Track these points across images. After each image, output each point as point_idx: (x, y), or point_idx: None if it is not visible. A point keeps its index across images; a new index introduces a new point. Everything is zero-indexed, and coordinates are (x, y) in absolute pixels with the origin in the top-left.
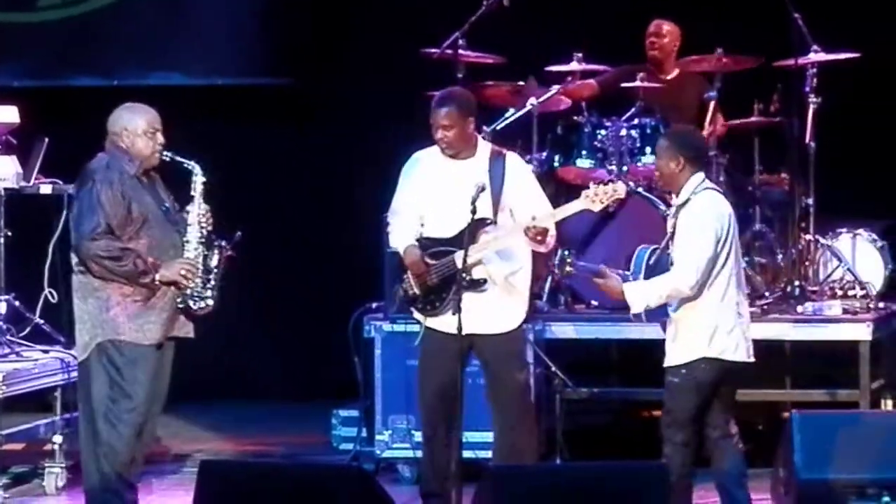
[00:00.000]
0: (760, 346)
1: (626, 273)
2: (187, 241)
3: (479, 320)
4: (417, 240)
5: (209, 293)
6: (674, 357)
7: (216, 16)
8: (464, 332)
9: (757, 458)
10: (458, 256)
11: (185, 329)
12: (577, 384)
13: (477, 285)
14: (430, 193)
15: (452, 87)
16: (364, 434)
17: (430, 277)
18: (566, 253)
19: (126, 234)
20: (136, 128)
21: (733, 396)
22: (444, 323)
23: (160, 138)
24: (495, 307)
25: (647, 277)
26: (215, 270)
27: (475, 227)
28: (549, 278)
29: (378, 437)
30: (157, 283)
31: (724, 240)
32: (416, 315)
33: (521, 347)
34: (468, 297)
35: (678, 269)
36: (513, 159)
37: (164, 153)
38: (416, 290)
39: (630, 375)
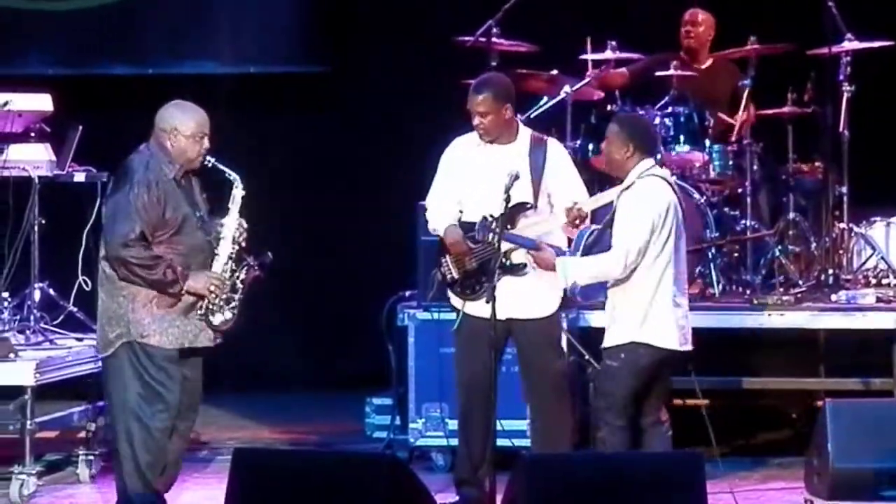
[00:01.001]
0: (794, 334)
1: (567, 250)
2: (217, 255)
3: (517, 305)
4: (459, 222)
5: (230, 310)
6: (607, 339)
7: (249, 4)
8: (502, 318)
9: (791, 446)
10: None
11: (208, 337)
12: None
13: (517, 269)
14: (470, 179)
15: (491, 73)
16: (398, 422)
17: (469, 261)
18: (491, 217)
19: (158, 238)
20: (185, 129)
21: (667, 383)
22: (483, 308)
23: (206, 143)
24: (533, 292)
25: (583, 255)
26: (241, 288)
27: (515, 212)
28: None
29: (412, 426)
30: (183, 293)
31: (661, 227)
32: (454, 300)
33: (558, 334)
34: (506, 282)
35: (611, 253)
36: (554, 145)
37: (208, 159)
38: (455, 274)
39: None
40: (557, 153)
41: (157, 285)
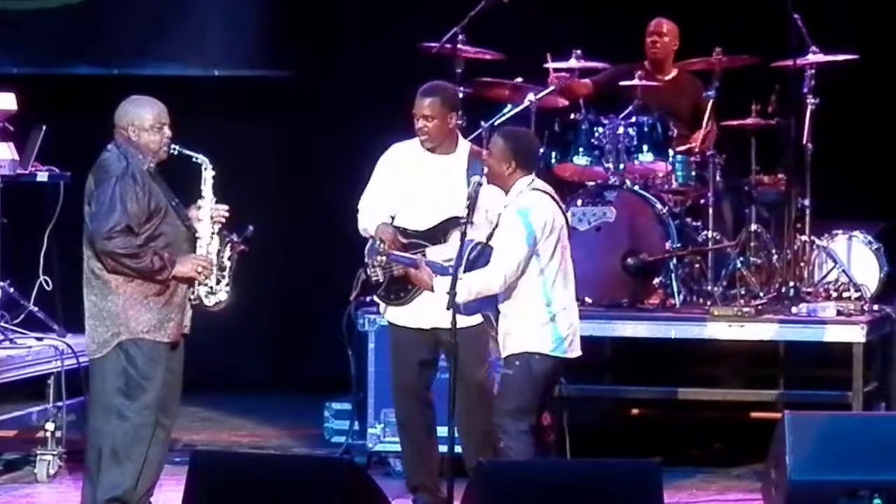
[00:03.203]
0: (754, 346)
1: (449, 265)
2: (199, 237)
3: (443, 313)
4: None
5: (223, 289)
6: (504, 350)
7: (215, 6)
8: (428, 327)
9: (749, 457)
10: (432, 252)
11: (186, 324)
12: (569, 381)
13: None
14: (405, 186)
15: (440, 81)
16: (356, 427)
17: (395, 267)
18: (378, 242)
19: (145, 230)
20: (142, 122)
21: (553, 389)
22: (407, 317)
23: (167, 132)
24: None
25: (466, 271)
26: (228, 265)
27: (448, 226)
28: None
29: (370, 431)
30: (172, 279)
31: (544, 239)
32: (379, 305)
33: (482, 344)
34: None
35: (489, 267)
36: None
37: (173, 147)
38: (381, 278)
39: (623, 373)
40: None
41: (146, 273)
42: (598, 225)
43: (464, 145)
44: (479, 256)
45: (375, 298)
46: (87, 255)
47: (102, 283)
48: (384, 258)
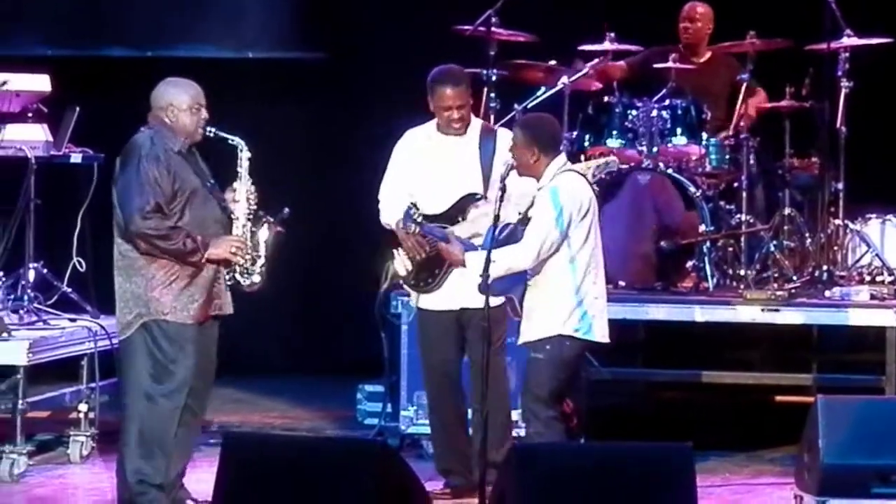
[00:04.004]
0: (787, 330)
1: (478, 245)
2: (236, 218)
3: (469, 295)
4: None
5: (258, 270)
6: (530, 333)
7: None
8: (455, 308)
9: (782, 441)
10: (454, 231)
11: (227, 305)
12: (602, 364)
13: None
14: (423, 170)
15: (451, 65)
16: (389, 409)
17: (420, 253)
18: (414, 207)
19: (171, 211)
20: (181, 103)
21: (578, 374)
22: (435, 301)
23: (204, 114)
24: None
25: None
26: (264, 247)
27: (465, 202)
28: None
29: (403, 413)
30: (205, 261)
31: (579, 220)
32: (410, 294)
33: (500, 325)
34: (457, 273)
35: (521, 243)
36: (503, 135)
37: (209, 129)
38: (408, 266)
39: (655, 356)
40: (506, 143)
41: (178, 255)
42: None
43: (475, 123)
44: (510, 236)
45: (405, 287)
46: (116, 237)
47: (128, 264)
48: (417, 227)
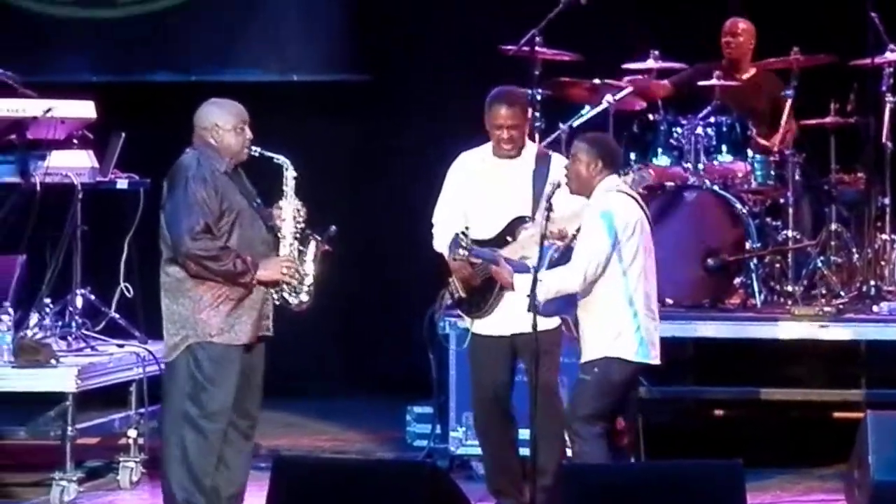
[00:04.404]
0: (836, 345)
1: (532, 266)
2: (283, 237)
3: (521, 320)
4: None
5: (306, 289)
6: (583, 355)
7: (292, 12)
8: (507, 334)
9: (832, 458)
10: (500, 254)
11: (268, 326)
12: (651, 383)
13: None
14: (477, 194)
15: (508, 86)
16: (438, 431)
17: (474, 280)
18: (464, 233)
19: (219, 231)
20: (225, 123)
21: (631, 395)
22: (488, 326)
23: (248, 133)
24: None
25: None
26: (312, 266)
27: (514, 225)
28: None
29: (452, 434)
30: (255, 282)
31: (627, 241)
32: (464, 319)
33: (555, 348)
34: (509, 298)
35: (569, 265)
36: (557, 161)
37: (254, 148)
38: (462, 293)
39: (705, 374)
40: (561, 168)
41: (229, 276)
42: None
43: (530, 147)
44: (561, 257)
45: (460, 313)
46: (163, 259)
47: (175, 286)
48: (466, 252)
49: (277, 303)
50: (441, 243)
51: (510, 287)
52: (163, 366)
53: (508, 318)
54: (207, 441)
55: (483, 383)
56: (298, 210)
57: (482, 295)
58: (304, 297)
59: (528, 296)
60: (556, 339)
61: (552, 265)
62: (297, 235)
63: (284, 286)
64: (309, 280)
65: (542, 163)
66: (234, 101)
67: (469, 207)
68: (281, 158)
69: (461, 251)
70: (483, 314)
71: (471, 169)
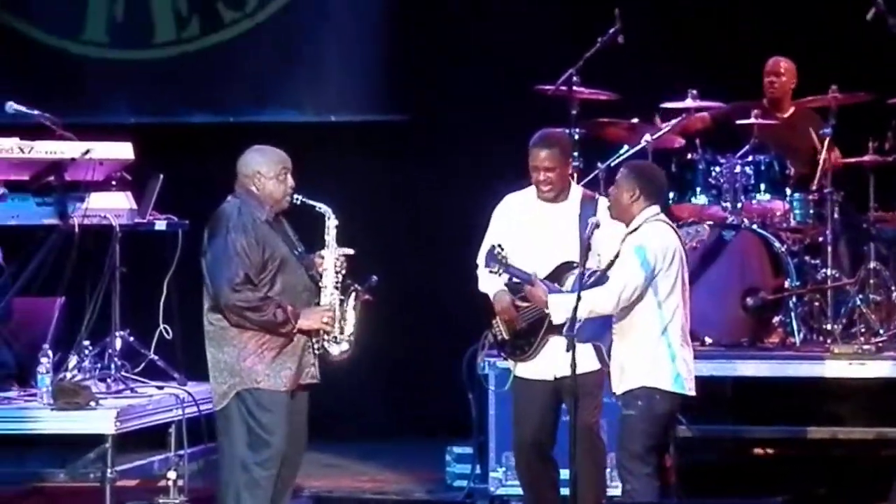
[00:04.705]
0: (875, 383)
1: (563, 289)
2: (324, 287)
3: (566, 362)
4: (507, 284)
5: (347, 338)
6: (619, 385)
7: (329, 53)
8: (550, 378)
9: (874, 496)
10: (535, 274)
11: (313, 374)
12: (690, 421)
13: (562, 328)
14: (521, 237)
15: (550, 129)
16: (478, 471)
17: (519, 323)
18: (499, 248)
19: (261, 280)
20: (268, 171)
21: (672, 428)
22: (533, 369)
23: (290, 181)
24: (581, 348)
25: None
26: (353, 315)
27: (561, 270)
28: None
29: (492, 475)
30: (296, 331)
31: (666, 269)
32: (507, 361)
33: (597, 390)
34: (553, 342)
35: (605, 286)
36: (603, 204)
37: (296, 196)
38: (505, 335)
39: (744, 413)
40: (605, 211)
41: (269, 326)
42: (693, 245)
43: (576, 191)
44: (596, 283)
45: (503, 355)
46: (206, 306)
47: (219, 334)
48: (502, 269)
49: (318, 352)
50: (485, 285)
51: (544, 305)
52: (203, 408)
53: (552, 361)
54: (261, 488)
55: (524, 426)
56: (340, 259)
57: (526, 338)
58: (345, 347)
59: (559, 313)
60: (598, 380)
61: (584, 288)
62: (338, 285)
63: (325, 335)
64: (349, 329)
65: (588, 206)
66: (276, 149)
67: (515, 250)
68: (323, 207)
69: (496, 265)
70: (527, 358)
71: (516, 211)
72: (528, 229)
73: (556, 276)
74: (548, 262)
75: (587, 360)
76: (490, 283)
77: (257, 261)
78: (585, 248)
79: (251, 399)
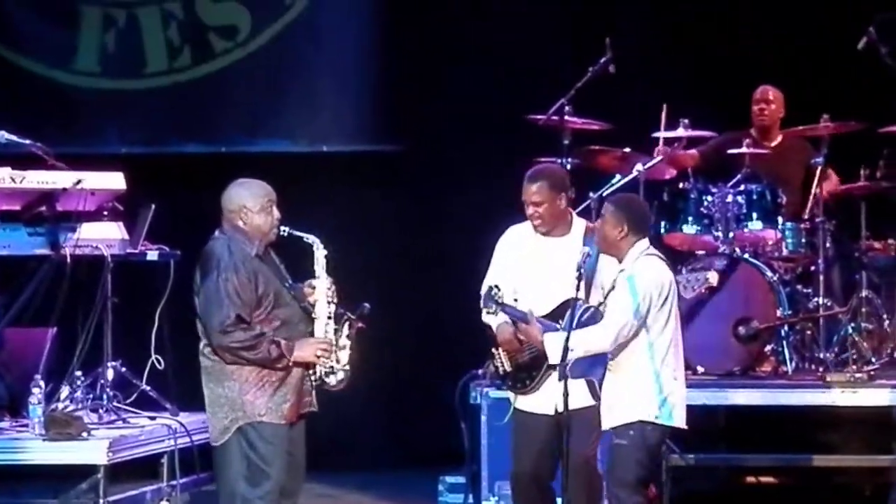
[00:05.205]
0: (868, 411)
1: (558, 326)
2: (316, 318)
3: (568, 397)
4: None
5: (342, 367)
6: (611, 419)
7: (321, 82)
8: (550, 413)
9: None
10: (531, 312)
11: (311, 403)
12: (683, 450)
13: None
14: (524, 270)
15: (546, 164)
16: (471, 500)
17: (521, 356)
18: (496, 289)
19: (257, 317)
20: (254, 205)
21: (658, 460)
22: (533, 403)
23: (276, 213)
24: (579, 383)
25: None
26: (347, 344)
27: (565, 307)
28: None
29: None
30: (291, 365)
31: (661, 305)
32: (508, 393)
33: (596, 422)
34: (555, 377)
35: (600, 325)
36: None
37: (283, 228)
38: (508, 367)
39: (736, 441)
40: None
41: (265, 363)
42: (701, 291)
43: (578, 225)
44: (590, 320)
45: (504, 387)
46: (202, 343)
47: (218, 369)
48: (498, 308)
49: (316, 383)
50: (489, 316)
51: (539, 344)
52: (196, 438)
53: (553, 395)
54: None
55: (524, 459)
56: (331, 289)
57: (528, 372)
58: (341, 376)
59: (560, 355)
60: (594, 415)
61: (580, 326)
62: (331, 315)
63: (321, 366)
64: (345, 359)
65: (591, 239)
66: (260, 182)
67: (518, 284)
68: (311, 238)
69: (493, 305)
70: (528, 391)
71: (518, 244)
72: (528, 263)
73: (560, 313)
74: (548, 296)
75: (583, 395)
76: (493, 315)
77: (251, 298)
78: (578, 278)
79: (254, 433)
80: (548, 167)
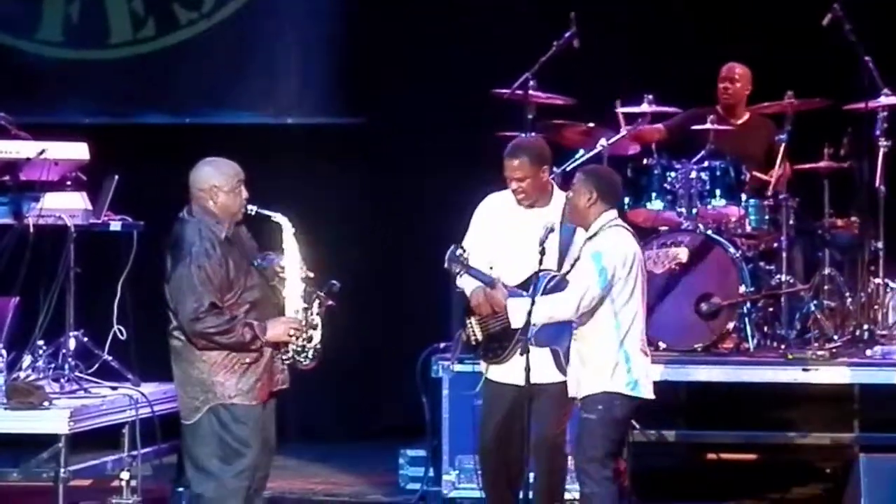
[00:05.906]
0: (829, 389)
1: (524, 293)
2: (287, 297)
3: (537, 371)
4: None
5: (313, 346)
6: (577, 388)
7: (286, 54)
8: (523, 383)
9: (825, 501)
10: (498, 278)
11: (283, 379)
12: (644, 426)
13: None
14: (503, 239)
15: (525, 136)
16: (431, 474)
17: (493, 324)
18: (462, 249)
19: (228, 300)
20: (223, 184)
21: (627, 433)
22: (505, 374)
23: (244, 192)
24: (545, 354)
25: None
26: (317, 323)
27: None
28: None
29: (445, 478)
30: (264, 346)
31: (625, 277)
32: (480, 363)
33: (564, 400)
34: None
35: (564, 293)
36: None
37: (250, 207)
38: (479, 337)
39: (698, 418)
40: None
41: (239, 347)
42: (671, 267)
43: (559, 196)
44: (555, 288)
45: (475, 357)
46: (171, 325)
47: (187, 349)
48: (463, 269)
49: (288, 362)
50: (463, 281)
51: (503, 309)
52: (157, 408)
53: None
54: (235, 498)
55: (490, 429)
56: (301, 268)
57: (499, 342)
58: (312, 354)
59: (517, 317)
60: (566, 391)
61: (545, 293)
62: (301, 294)
63: (291, 346)
64: (316, 338)
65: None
66: (229, 161)
67: (495, 254)
68: (278, 216)
69: (457, 265)
70: (500, 361)
71: (496, 212)
72: (507, 233)
73: (530, 283)
74: (524, 266)
75: (553, 369)
76: (469, 280)
77: (223, 281)
78: (542, 252)
79: (226, 414)
80: (527, 140)
